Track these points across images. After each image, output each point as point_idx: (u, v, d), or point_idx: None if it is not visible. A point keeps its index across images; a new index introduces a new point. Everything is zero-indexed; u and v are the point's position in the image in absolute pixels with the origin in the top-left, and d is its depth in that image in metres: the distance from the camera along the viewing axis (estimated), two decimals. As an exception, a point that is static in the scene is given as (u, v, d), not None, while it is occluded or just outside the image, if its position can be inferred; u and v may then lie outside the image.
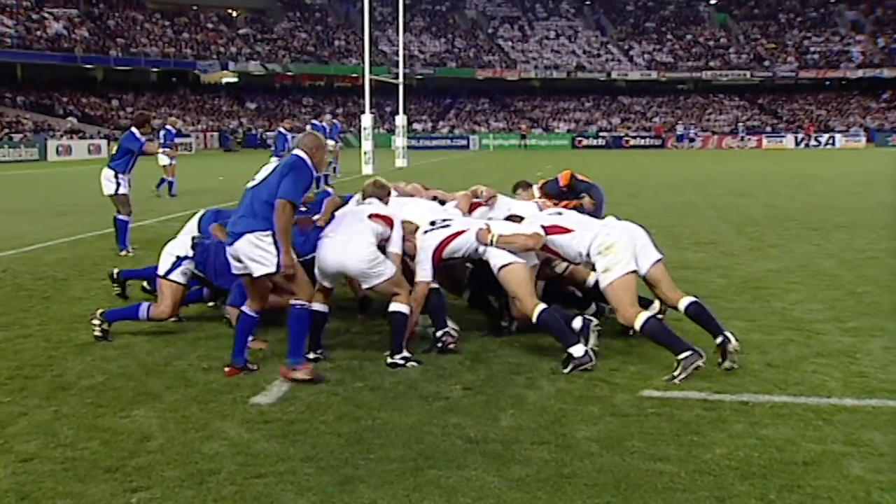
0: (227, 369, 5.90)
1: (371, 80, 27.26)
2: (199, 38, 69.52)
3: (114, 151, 11.82)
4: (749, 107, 73.29)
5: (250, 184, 6.07)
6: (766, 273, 9.74)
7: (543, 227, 6.44)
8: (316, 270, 6.23)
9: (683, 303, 6.18)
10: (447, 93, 75.91)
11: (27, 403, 5.30)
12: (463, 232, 6.47)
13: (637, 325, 5.98)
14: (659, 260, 6.30)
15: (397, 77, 38.76)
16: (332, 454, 4.48)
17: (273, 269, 5.68)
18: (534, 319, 6.11)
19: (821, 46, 74.82)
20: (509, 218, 6.92)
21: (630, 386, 5.59)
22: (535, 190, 8.44)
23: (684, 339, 5.84)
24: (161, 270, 7.07)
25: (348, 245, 6.04)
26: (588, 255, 6.32)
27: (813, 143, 61.94)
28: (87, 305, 7.92)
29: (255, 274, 5.76)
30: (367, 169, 30.47)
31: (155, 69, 67.38)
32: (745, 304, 8.12)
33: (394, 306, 6.13)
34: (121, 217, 11.38)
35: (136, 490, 4.07)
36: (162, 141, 20.09)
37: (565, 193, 8.46)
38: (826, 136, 62.85)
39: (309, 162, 5.89)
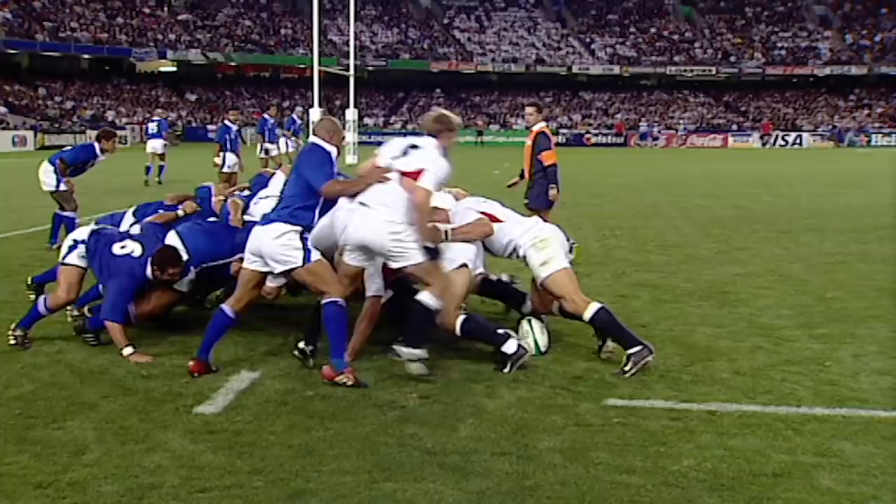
0: (191, 363, 5.95)
1: (320, 71, 26.98)
2: (135, 24, 68.55)
3: (65, 149, 11.84)
4: (714, 104, 74.45)
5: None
6: (734, 277, 9.91)
7: (481, 214, 6.61)
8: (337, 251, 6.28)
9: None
10: (400, 86, 75.90)
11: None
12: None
13: (587, 315, 6.25)
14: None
15: (348, 69, 38.58)
16: (282, 466, 4.46)
17: (299, 263, 5.78)
18: (457, 331, 6.17)
19: (788, 42, 76.33)
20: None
21: (594, 394, 5.65)
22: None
23: (635, 334, 6.13)
24: (61, 256, 7.15)
25: (368, 216, 5.82)
26: (516, 247, 6.55)
27: (780, 142, 63.17)
28: (15, 309, 7.76)
29: (277, 270, 5.87)
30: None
31: (86, 56, 66.25)
32: (712, 309, 8.26)
33: (421, 296, 5.85)
34: (65, 214, 11.28)
35: (72, 507, 4.02)
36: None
37: None
38: (793, 135, 64.13)
39: (325, 145, 6.02)
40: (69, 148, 12.42)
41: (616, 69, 74.28)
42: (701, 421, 5.17)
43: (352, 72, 36.42)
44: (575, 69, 74.38)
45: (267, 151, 22.32)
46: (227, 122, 18.69)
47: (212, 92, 71.16)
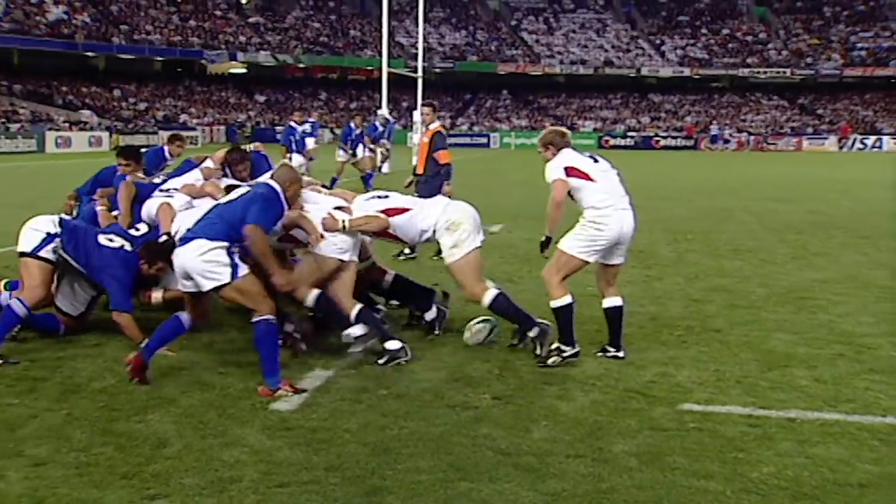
0: (132, 355, 5.89)
1: (389, 73, 27.17)
2: (207, 27, 69.91)
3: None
4: (788, 106, 72.98)
5: (221, 200, 6.18)
6: (811, 283, 9.72)
7: (382, 210, 6.77)
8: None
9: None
10: (467, 88, 76.01)
11: (37, 406, 5.37)
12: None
13: (485, 302, 6.57)
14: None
15: (415, 71, 38.80)
16: (358, 464, 4.53)
17: (226, 279, 5.70)
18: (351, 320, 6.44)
19: (869, 42, 74.40)
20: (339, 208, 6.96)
21: (668, 399, 5.61)
22: None
23: (531, 315, 6.50)
24: (27, 247, 6.77)
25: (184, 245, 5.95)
26: (434, 231, 6.72)
27: (858, 145, 61.60)
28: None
29: (205, 288, 5.78)
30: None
31: (160, 58, 67.77)
32: (789, 315, 8.11)
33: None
34: None
35: (155, 497, 4.14)
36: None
37: None
38: (873, 138, 62.46)
39: (282, 196, 6.04)
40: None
41: (686, 71, 73.32)
42: (780, 428, 5.09)
43: (420, 73, 36.58)
44: (644, 71, 73.60)
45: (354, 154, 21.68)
46: (291, 123, 18.94)
47: (280, 93, 72.18)
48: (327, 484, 4.29)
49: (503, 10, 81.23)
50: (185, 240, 5.87)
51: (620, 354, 6.50)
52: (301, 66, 72.60)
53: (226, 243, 5.74)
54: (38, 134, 45.70)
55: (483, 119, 72.79)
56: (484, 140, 64.21)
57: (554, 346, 6.38)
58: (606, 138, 63.63)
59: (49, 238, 6.80)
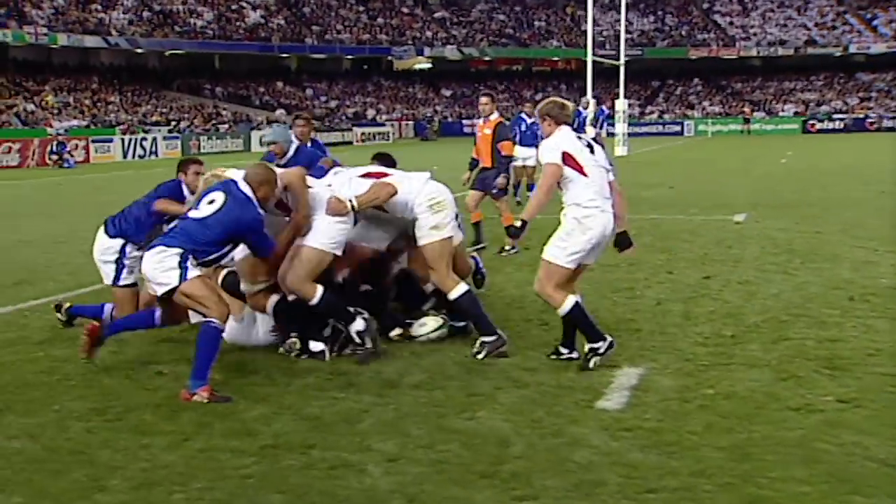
0: (93, 324, 6.06)
1: (593, 62, 26.84)
2: (395, 24, 71.48)
3: None
4: None
5: (192, 213, 5.94)
6: None
7: (367, 174, 6.45)
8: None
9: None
10: (656, 75, 74.11)
11: (362, 400, 5.40)
12: None
13: (453, 295, 6.26)
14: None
15: (615, 58, 38.13)
16: (723, 469, 4.26)
17: (175, 283, 5.57)
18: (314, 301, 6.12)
19: None
20: None
21: None
22: None
23: (492, 322, 6.25)
24: (108, 280, 6.92)
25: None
26: (412, 205, 6.28)
27: None
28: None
29: (159, 293, 5.78)
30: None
31: (349, 56, 69.89)
32: None
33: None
34: None
35: (523, 499, 4.02)
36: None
37: None
38: None
39: (254, 201, 5.88)
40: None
41: (901, 47, 68.46)
42: None
43: (622, 60, 35.97)
44: (852, 49, 69.36)
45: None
46: (523, 114, 18.74)
47: (466, 87, 72.83)
48: (700, 491, 4.04)
49: (694, -8, 78.62)
50: (150, 246, 5.85)
51: (574, 355, 6.06)
52: (486, 59, 72.99)
53: (180, 250, 5.63)
54: (245, 134, 48.07)
55: (674, 106, 70.81)
56: (677, 128, 62.36)
57: (586, 347, 5.89)
58: (812, 122, 60.40)
59: (120, 262, 6.82)
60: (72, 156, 36.49)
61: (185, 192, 7.04)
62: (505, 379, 5.78)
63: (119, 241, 6.80)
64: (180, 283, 5.57)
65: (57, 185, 25.68)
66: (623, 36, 38.37)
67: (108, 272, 6.86)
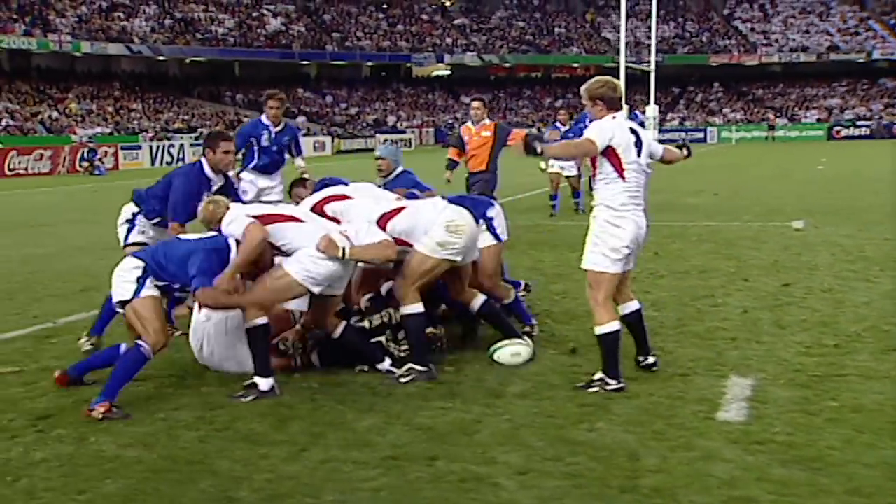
0: (57, 374, 5.79)
1: (626, 68, 26.67)
2: (414, 30, 71.49)
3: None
4: None
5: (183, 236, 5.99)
6: None
7: (383, 215, 6.08)
8: None
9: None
10: (676, 81, 73.82)
11: (472, 410, 5.21)
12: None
13: (406, 311, 5.91)
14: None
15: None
16: (879, 489, 4.06)
17: (127, 297, 5.46)
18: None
19: None
20: None
21: None
22: None
23: (428, 355, 5.95)
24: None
25: None
26: (431, 230, 5.97)
27: None
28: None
29: (114, 301, 5.68)
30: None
31: (369, 63, 69.89)
32: None
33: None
34: None
35: (671, 515, 3.84)
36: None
37: None
38: None
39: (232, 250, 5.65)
40: None
41: (926, 52, 68.01)
42: None
43: (653, 66, 35.89)
44: (876, 55, 68.94)
45: None
46: (558, 122, 18.56)
47: (485, 94, 72.70)
48: (858, 510, 3.85)
49: (714, -1, 78.45)
50: (133, 254, 5.84)
51: (651, 360, 5.90)
52: (506, 65, 72.90)
53: (143, 264, 5.51)
54: (268, 141, 47.95)
55: (694, 113, 70.52)
56: (700, 135, 61.97)
57: (598, 375, 5.58)
58: (838, 128, 59.97)
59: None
60: (102, 163, 36.51)
61: (209, 172, 6.83)
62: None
63: (134, 208, 7.12)
64: (132, 298, 5.47)
65: (92, 192, 25.67)
66: (654, 42, 38.13)
67: (121, 234, 7.18)
